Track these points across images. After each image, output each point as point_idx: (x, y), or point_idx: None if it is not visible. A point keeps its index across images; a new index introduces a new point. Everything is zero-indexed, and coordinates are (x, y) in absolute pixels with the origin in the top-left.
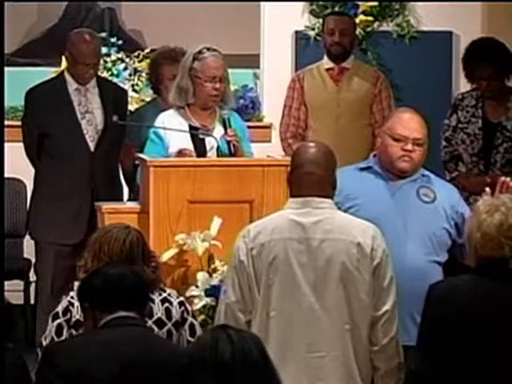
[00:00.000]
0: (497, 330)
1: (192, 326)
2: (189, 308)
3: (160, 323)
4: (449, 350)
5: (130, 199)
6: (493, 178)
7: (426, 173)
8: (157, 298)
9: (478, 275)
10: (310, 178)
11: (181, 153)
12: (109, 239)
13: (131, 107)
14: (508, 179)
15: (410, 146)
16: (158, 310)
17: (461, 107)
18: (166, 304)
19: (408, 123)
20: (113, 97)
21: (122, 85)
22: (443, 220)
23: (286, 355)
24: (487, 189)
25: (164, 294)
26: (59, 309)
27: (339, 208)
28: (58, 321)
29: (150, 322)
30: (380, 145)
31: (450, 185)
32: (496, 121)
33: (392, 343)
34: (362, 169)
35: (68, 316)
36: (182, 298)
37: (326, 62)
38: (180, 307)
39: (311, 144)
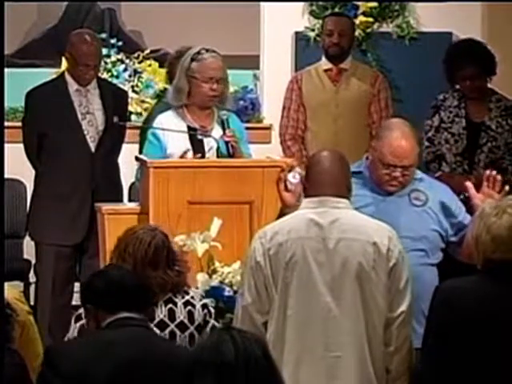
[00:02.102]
0: (506, 333)
1: (214, 328)
2: (212, 310)
3: (182, 327)
4: (454, 352)
5: (130, 199)
6: (478, 178)
7: (419, 176)
8: (179, 300)
9: (485, 278)
10: (325, 178)
11: (184, 155)
12: (134, 240)
13: (131, 108)
14: (494, 173)
15: (398, 173)
16: (181, 313)
17: (443, 107)
18: (189, 307)
19: (397, 150)
20: (113, 98)
21: (121, 86)
22: (434, 222)
23: (303, 354)
24: (468, 184)
25: (187, 297)
26: (82, 310)
27: None
28: (81, 322)
29: (172, 326)
30: (371, 160)
31: (444, 185)
32: (479, 120)
33: (406, 345)
34: (354, 173)
35: None
36: (205, 301)
37: (324, 63)
38: (203, 310)
39: (326, 150)
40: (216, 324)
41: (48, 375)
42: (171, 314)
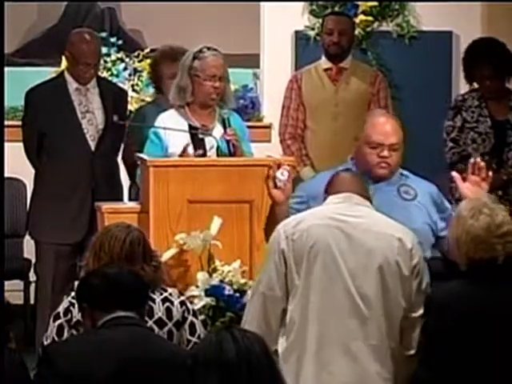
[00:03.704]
0: (499, 331)
1: (192, 324)
2: (190, 307)
3: (161, 323)
4: (452, 357)
5: (130, 197)
6: (508, 175)
7: (405, 172)
8: (158, 297)
9: (472, 279)
10: (347, 181)
11: (185, 152)
12: (109, 238)
13: (131, 107)
14: (478, 160)
15: (386, 153)
16: (159, 310)
17: (464, 108)
18: (167, 304)
19: (383, 129)
20: (113, 97)
21: (121, 85)
22: (426, 216)
23: (325, 340)
24: (455, 174)
25: (165, 294)
26: (60, 309)
27: None
28: (59, 321)
29: (150, 322)
30: (356, 151)
31: (429, 182)
32: (503, 119)
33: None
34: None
35: (69, 316)
36: (183, 298)
37: (324, 62)
38: (181, 307)
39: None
40: (194, 320)
41: (46, 374)
42: (149, 311)
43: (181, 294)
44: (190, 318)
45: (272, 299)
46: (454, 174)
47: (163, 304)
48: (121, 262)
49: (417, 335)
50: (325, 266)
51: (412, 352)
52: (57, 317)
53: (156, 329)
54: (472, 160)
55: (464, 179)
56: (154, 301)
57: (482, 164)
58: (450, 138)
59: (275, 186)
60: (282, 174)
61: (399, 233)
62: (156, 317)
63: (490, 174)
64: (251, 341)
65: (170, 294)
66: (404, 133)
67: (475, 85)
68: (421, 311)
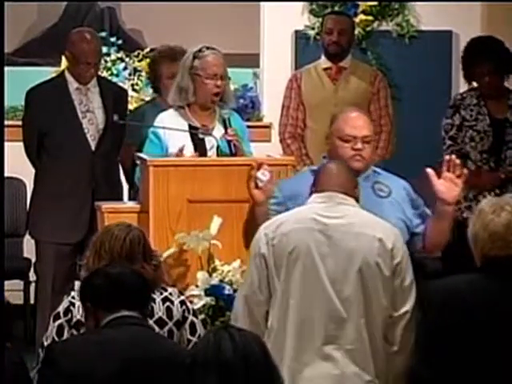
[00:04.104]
0: (506, 329)
1: (192, 324)
2: (190, 306)
3: (161, 322)
4: (454, 353)
5: (130, 198)
6: (506, 173)
7: (377, 169)
8: (158, 297)
9: (484, 275)
10: (333, 177)
11: (181, 152)
12: (110, 237)
13: (131, 106)
14: (453, 157)
15: (359, 145)
16: (159, 310)
17: (463, 106)
18: (167, 303)
19: (355, 122)
20: (113, 96)
21: (121, 84)
22: (401, 213)
23: (303, 345)
24: (429, 170)
25: (165, 293)
26: (60, 309)
27: None
28: (59, 321)
29: (150, 322)
30: (329, 147)
31: (400, 179)
32: (502, 117)
33: (408, 347)
34: (315, 171)
35: (69, 316)
36: (183, 297)
37: (324, 62)
38: (181, 306)
39: (333, 161)
40: (194, 320)
41: (48, 373)
42: (150, 310)
43: (181, 293)
44: (191, 317)
45: (255, 302)
46: (428, 170)
47: (163, 303)
48: (121, 260)
49: (400, 332)
50: (305, 271)
51: (395, 348)
52: (57, 317)
53: (156, 328)
54: (447, 157)
55: (439, 175)
56: (154, 300)
57: (457, 161)
58: (448, 136)
59: (256, 187)
60: (263, 175)
61: (380, 233)
62: (156, 316)
63: (465, 171)
64: (249, 340)
65: (170, 294)
66: (403, 132)
67: (474, 84)
68: (404, 309)
